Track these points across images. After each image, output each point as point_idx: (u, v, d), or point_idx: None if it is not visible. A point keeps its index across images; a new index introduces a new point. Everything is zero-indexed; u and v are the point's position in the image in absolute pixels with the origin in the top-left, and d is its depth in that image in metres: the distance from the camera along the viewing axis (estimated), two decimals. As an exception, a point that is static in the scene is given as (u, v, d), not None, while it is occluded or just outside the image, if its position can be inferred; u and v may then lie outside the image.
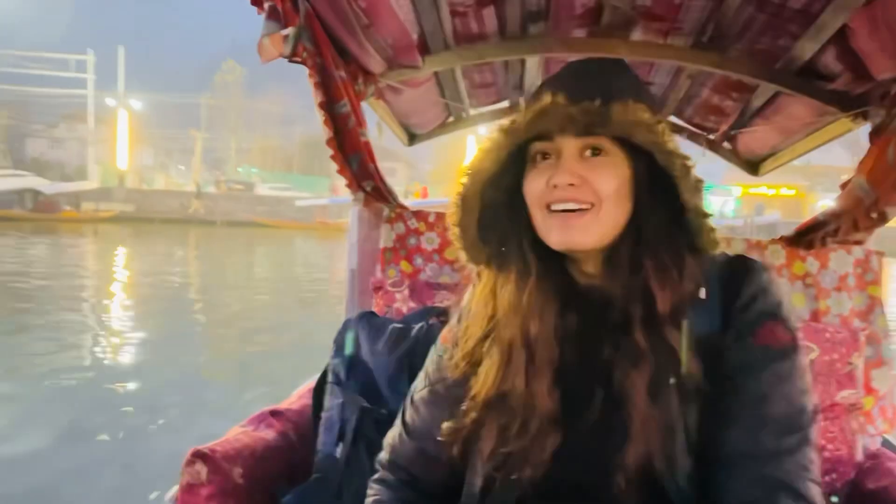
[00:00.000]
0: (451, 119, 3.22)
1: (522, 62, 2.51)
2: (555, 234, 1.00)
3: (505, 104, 3.13)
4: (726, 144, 2.98)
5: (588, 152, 0.99)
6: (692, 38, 2.09)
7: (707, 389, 0.96)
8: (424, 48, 2.24)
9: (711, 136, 2.95)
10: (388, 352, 1.64)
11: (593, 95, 0.95)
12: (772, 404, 0.94)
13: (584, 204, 0.98)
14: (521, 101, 2.94)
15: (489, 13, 2.07)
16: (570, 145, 0.99)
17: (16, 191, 35.27)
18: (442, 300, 2.05)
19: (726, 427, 0.95)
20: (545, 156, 1.02)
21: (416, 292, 2.10)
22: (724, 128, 2.81)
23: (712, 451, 0.95)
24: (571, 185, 0.97)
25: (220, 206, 40.87)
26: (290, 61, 1.66)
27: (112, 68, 49.67)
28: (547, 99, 0.96)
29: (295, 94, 55.90)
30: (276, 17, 1.53)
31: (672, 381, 0.96)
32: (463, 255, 1.10)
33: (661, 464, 0.95)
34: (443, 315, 1.31)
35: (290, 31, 1.58)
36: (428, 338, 1.56)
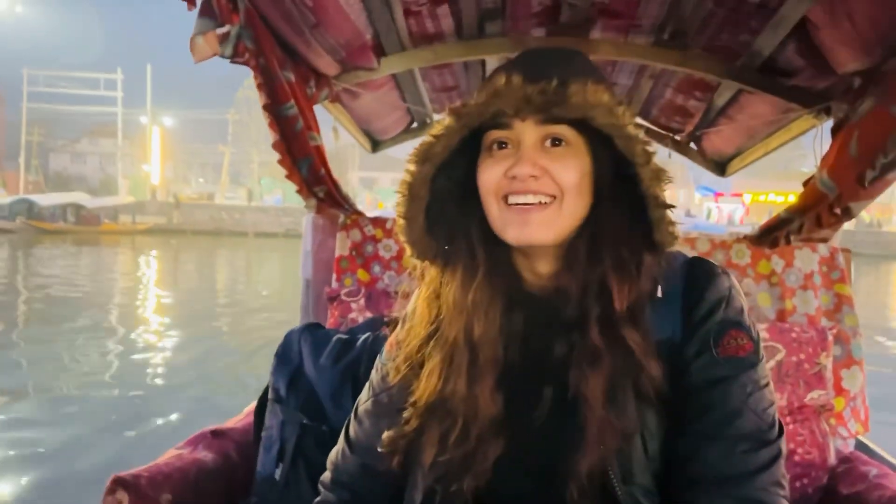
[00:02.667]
0: (414, 124, 3.15)
1: (483, 64, 2.45)
2: (513, 229, 0.93)
3: None
4: (692, 145, 2.94)
5: (548, 142, 0.93)
6: (653, 36, 2.05)
7: (668, 396, 0.91)
8: (379, 49, 2.17)
9: (677, 137, 2.92)
10: (331, 365, 1.56)
11: (550, 76, 0.89)
12: (743, 419, 0.90)
13: (545, 197, 0.92)
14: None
15: (444, 12, 2.00)
16: (529, 134, 0.93)
17: (61, 206, 37.64)
18: (400, 309, 2.04)
19: (698, 446, 0.90)
20: (502, 145, 0.95)
21: (373, 302, 2.03)
22: (689, 128, 2.78)
23: (680, 471, 0.90)
24: (533, 176, 0.91)
25: (248, 217, 42.97)
26: (232, 62, 1.60)
27: (140, 86, 50.79)
28: (502, 80, 0.90)
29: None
30: (211, 15, 1.46)
31: (630, 383, 0.91)
32: (409, 250, 1.04)
33: (616, 472, 0.89)
34: (392, 324, 1.24)
35: (228, 28, 1.51)
36: (374, 348, 1.49)
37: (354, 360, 1.54)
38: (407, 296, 1.49)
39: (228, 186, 56.65)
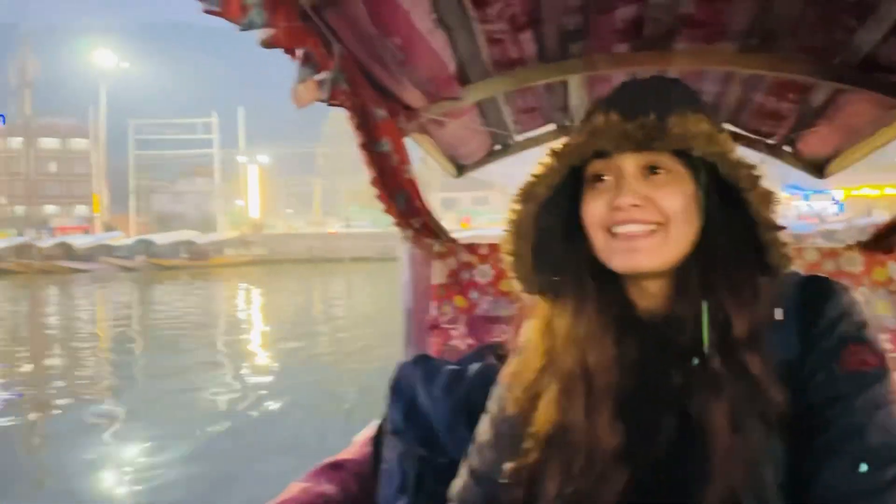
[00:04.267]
0: (497, 147, 3.16)
1: (565, 83, 2.45)
2: (619, 258, 0.94)
3: (551, 127, 3.06)
4: (787, 148, 2.83)
5: (649, 171, 0.93)
6: (739, 42, 1.99)
7: (793, 420, 0.89)
8: (464, 78, 2.20)
9: (770, 141, 2.81)
10: (445, 396, 1.57)
11: (648, 110, 0.91)
12: (868, 435, 0.86)
13: (650, 225, 0.92)
14: (571, 122, 2.89)
15: (527, 37, 2.02)
16: (629, 164, 0.93)
17: (175, 243, 42.27)
18: (500, 334, 1.99)
19: (820, 465, 0.86)
20: (603, 177, 0.96)
21: (474, 328, 2.05)
22: (782, 131, 2.68)
23: (806, 493, 0.87)
24: (635, 205, 0.92)
25: (341, 244, 46.43)
26: (329, 105, 1.63)
27: (233, 126, 53.68)
28: (600, 118, 0.92)
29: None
30: (310, 63, 1.51)
31: (756, 409, 0.89)
32: (517, 286, 1.05)
33: (749, 502, 0.87)
34: (500, 352, 1.26)
35: (325, 75, 1.56)
36: (485, 378, 1.48)
37: (468, 391, 1.55)
38: (510, 321, 1.51)
39: (318, 215, 59.40)
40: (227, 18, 1.22)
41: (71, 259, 39.38)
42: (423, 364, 1.70)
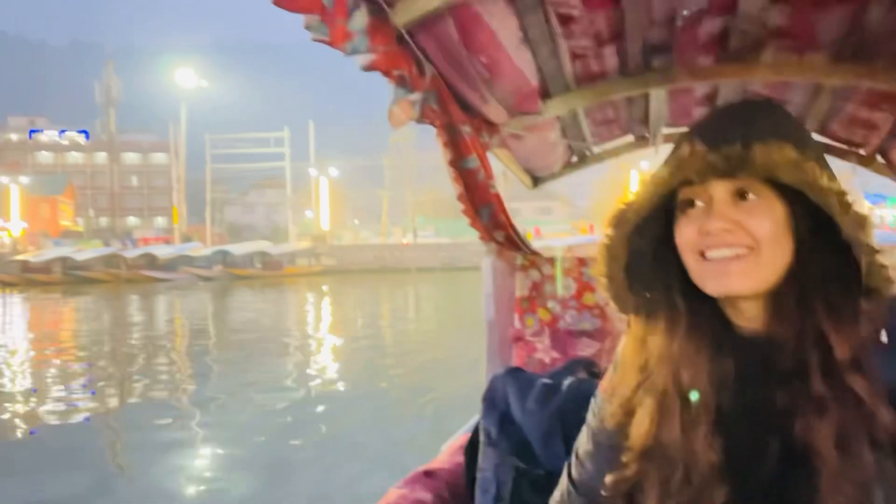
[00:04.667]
0: (574, 159, 3.18)
1: (646, 94, 2.46)
2: (712, 282, 0.96)
3: (630, 138, 3.05)
4: (879, 158, 2.75)
5: (739, 196, 0.95)
6: (831, 53, 1.95)
7: None
8: (545, 93, 2.23)
9: (862, 152, 2.74)
10: (539, 409, 1.60)
11: (733, 139, 0.92)
12: None
13: (741, 249, 0.93)
14: (651, 133, 2.88)
15: (610, 52, 2.04)
16: (718, 190, 0.95)
17: (250, 254, 44.16)
18: (584, 348, 2.01)
19: None
20: (694, 202, 0.98)
21: (558, 341, 2.06)
22: (875, 141, 2.60)
23: None
24: (725, 230, 0.93)
25: (407, 254, 47.64)
26: (418, 122, 1.69)
27: (303, 140, 55.15)
28: (687, 148, 0.95)
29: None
30: (405, 84, 1.56)
31: (864, 432, 0.87)
32: (612, 305, 1.08)
33: None
34: (591, 367, 1.29)
35: (417, 95, 1.61)
36: (579, 393, 1.52)
37: (562, 405, 1.57)
38: (593, 334, 1.51)
39: (385, 226, 60.52)
40: (332, 45, 1.29)
41: (154, 269, 41.33)
42: (515, 376, 1.73)
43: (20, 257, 42.80)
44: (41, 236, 54.79)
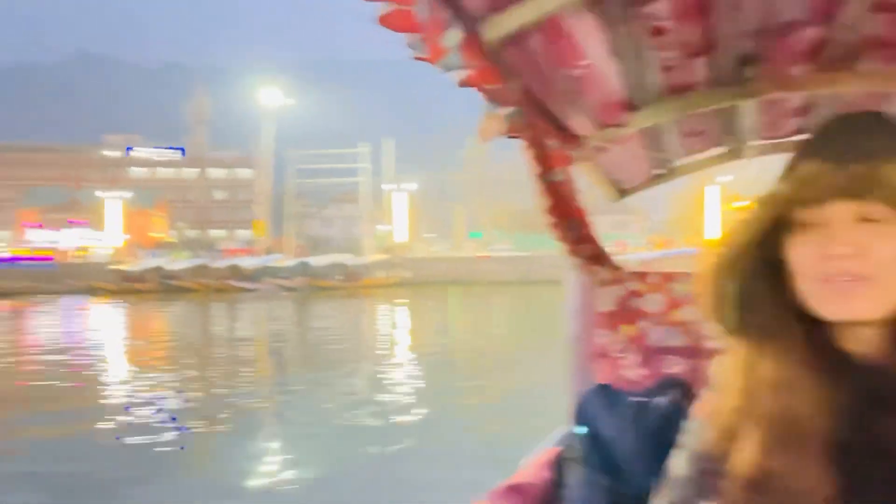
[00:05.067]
0: (659, 171, 3.12)
1: (736, 105, 2.38)
2: (831, 306, 0.91)
3: (718, 150, 2.99)
4: None
5: (861, 219, 0.90)
6: None
7: None
8: (631, 105, 2.20)
9: None
10: (630, 427, 1.56)
11: (859, 157, 0.88)
12: None
13: (862, 273, 0.89)
14: (741, 144, 2.83)
15: (700, 63, 2.00)
16: (840, 213, 0.90)
17: (330, 265, 46.55)
18: (673, 365, 1.97)
19: None
20: (811, 223, 0.93)
21: (645, 358, 2.02)
22: None
23: None
24: (850, 255, 0.89)
25: (482, 267, 49.03)
26: (507, 137, 1.69)
27: (381, 156, 56.49)
28: (808, 166, 0.91)
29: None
30: (494, 99, 1.57)
31: None
32: (718, 326, 1.05)
33: None
34: (683, 386, 1.26)
35: (506, 110, 1.61)
36: (673, 413, 1.48)
37: (655, 425, 1.53)
38: (683, 352, 1.51)
39: (459, 240, 61.31)
40: (429, 62, 1.34)
41: (239, 279, 43.29)
42: (605, 393, 1.70)
43: (119, 267, 45.56)
44: (136, 247, 58.10)
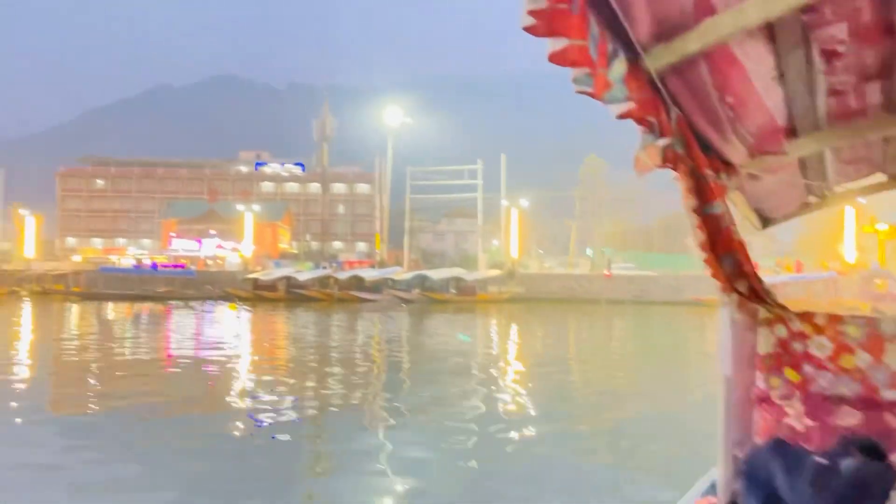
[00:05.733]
0: (812, 199, 2.96)
1: None
2: None
3: (879, 178, 2.81)
4: None
5: None
6: None
7: None
8: (791, 132, 2.11)
9: None
10: (815, 493, 1.42)
11: None
12: None
13: None
14: None
15: (873, 88, 1.88)
16: None
17: (446, 279, 47.46)
18: (844, 416, 1.82)
19: None
20: None
21: (812, 407, 1.87)
22: None
23: None
24: None
25: (596, 285, 48.40)
26: (661, 168, 1.62)
27: (495, 172, 57.24)
28: None
29: (648, 179, 58.53)
30: (653, 130, 1.51)
31: None
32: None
33: None
34: (869, 446, 1.11)
35: (664, 140, 1.55)
36: (864, 479, 1.35)
37: (844, 491, 1.39)
38: (855, 403, 1.36)
39: (573, 257, 61.16)
40: (594, 96, 1.32)
41: (361, 290, 45.16)
42: (783, 451, 1.58)
43: (252, 276, 48.79)
44: (264, 257, 61.97)
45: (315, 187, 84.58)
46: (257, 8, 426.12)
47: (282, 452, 9.10)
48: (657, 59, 1.47)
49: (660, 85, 1.53)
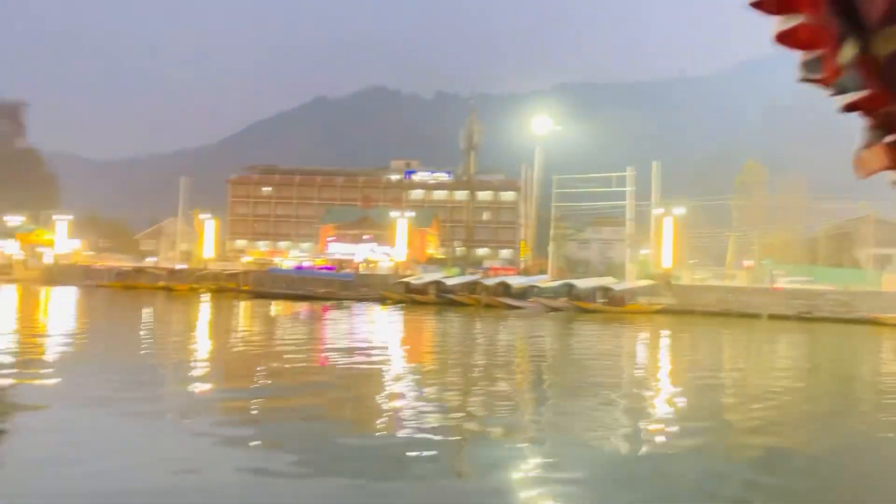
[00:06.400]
0: None
1: None
2: None
3: None
4: None
5: None
6: None
7: None
8: None
9: None
10: None
11: None
12: None
13: None
14: None
15: None
16: None
17: (594, 288, 47.40)
18: None
19: None
20: None
21: None
22: None
23: None
24: None
25: (755, 299, 45.81)
26: (889, 169, 1.45)
27: (645, 180, 55.86)
28: None
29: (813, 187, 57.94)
30: (882, 127, 1.37)
31: None
32: None
33: None
34: None
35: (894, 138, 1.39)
36: None
37: None
38: None
39: (730, 268, 58.11)
40: (821, 84, 1.25)
41: (507, 296, 45.87)
42: None
43: (404, 279, 51.17)
44: (413, 262, 64.56)
45: (461, 194, 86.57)
46: (407, 22, 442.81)
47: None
48: (886, 44, 1.29)
49: (890, 73, 1.34)
